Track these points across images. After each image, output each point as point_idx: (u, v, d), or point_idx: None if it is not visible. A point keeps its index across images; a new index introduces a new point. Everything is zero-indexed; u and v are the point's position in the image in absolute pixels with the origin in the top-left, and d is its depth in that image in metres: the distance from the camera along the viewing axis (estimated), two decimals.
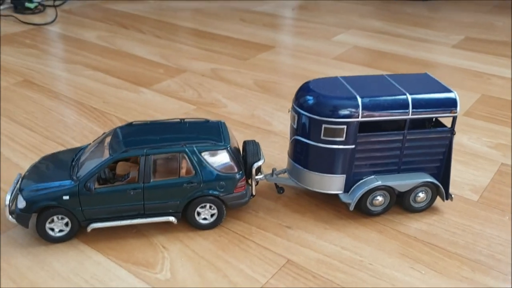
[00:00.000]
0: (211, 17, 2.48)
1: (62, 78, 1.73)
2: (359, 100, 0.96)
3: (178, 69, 1.82)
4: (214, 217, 1.00)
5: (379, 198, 1.02)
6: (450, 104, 1.00)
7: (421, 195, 1.04)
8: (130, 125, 1.03)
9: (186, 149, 0.95)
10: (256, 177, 1.03)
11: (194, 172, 0.95)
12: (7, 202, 0.93)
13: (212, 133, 1.00)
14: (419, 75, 1.09)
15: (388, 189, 1.02)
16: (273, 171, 1.09)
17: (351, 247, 0.96)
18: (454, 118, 1.01)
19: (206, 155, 0.96)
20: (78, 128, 1.39)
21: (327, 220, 1.03)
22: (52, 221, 0.95)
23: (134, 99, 1.58)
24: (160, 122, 1.04)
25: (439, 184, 1.03)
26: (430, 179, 1.02)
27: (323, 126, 0.97)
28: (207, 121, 1.05)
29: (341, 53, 1.99)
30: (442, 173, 1.05)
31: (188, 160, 0.95)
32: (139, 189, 0.94)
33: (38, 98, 1.58)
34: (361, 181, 1.03)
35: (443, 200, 1.05)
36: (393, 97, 0.98)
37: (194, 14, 2.53)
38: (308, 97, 0.98)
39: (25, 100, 1.56)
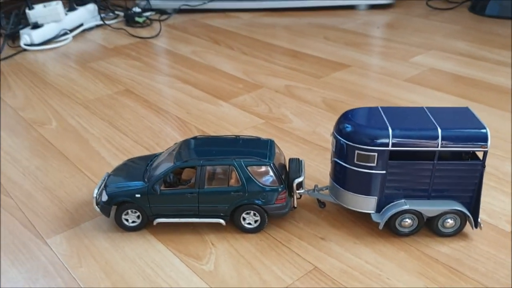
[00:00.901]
0: (297, 34, 2.64)
1: (157, 89, 2.00)
2: (390, 131, 1.06)
3: (256, 85, 2.00)
4: (257, 223, 1.16)
5: (408, 221, 1.11)
6: (481, 140, 1.06)
7: (450, 221, 1.11)
8: (195, 138, 1.23)
9: (235, 163, 1.12)
10: (297, 191, 1.17)
11: (240, 183, 1.12)
12: (95, 195, 1.16)
13: (261, 149, 1.16)
14: (459, 109, 1.16)
15: (416, 213, 1.11)
16: (315, 187, 1.22)
17: (374, 262, 1.06)
18: (485, 153, 1.07)
19: (251, 169, 1.12)
20: (162, 136, 1.63)
21: (359, 236, 1.14)
22: (127, 213, 1.17)
23: (213, 111, 1.79)
24: (219, 137, 1.22)
25: (467, 213, 1.09)
26: (458, 207, 1.09)
27: (356, 152, 1.09)
28: (258, 139, 1.21)
29: (415, 75, 2.04)
30: (473, 202, 1.11)
31: (236, 172, 1.12)
32: (195, 193, 1.13)
33: (134, 106, 1.85)
34: (391, 203, 1.13)
35: (472, 228, 1.11)
36: (424, 130, 1.07)
37: (282, 31, 2.70)
38: (346, 125, 1.10)
39: (124, 108, 1.84)
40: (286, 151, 1.51)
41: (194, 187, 1.13)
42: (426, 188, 1.11)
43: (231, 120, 1.72)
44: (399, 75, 2.05)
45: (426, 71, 2.08)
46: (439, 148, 1.07)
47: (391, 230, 1.14)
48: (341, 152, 1.12)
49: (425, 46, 2.39)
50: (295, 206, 1.19)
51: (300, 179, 1.15)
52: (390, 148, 1.07)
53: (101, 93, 1.98)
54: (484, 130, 1.07)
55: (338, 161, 1.13)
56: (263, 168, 1.12)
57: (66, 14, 2.72)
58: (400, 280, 1.01)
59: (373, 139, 1.07)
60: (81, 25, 2.79)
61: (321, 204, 1.23)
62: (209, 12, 3.16)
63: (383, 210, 1.13)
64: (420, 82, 1.97)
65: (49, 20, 2.61)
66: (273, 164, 1.13)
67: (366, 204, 1.14)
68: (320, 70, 2.14)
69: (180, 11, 3.14)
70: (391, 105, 1.78)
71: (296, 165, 1.17)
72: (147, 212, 1.16)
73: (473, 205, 1.12)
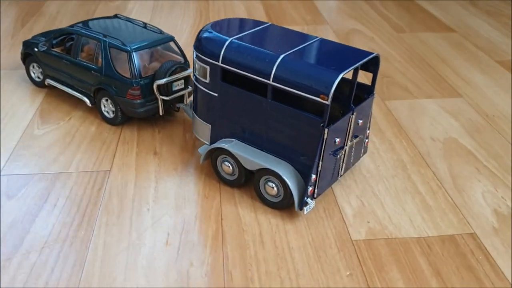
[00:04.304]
0: None
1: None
2: (227, 42, 0.82)
3: (322, 21, 1.75)
4: (114, 115, 1.06)
5: (228, 165, 0.87)
6: (324, 87, 0.73)
7: (274, 187, 0.82)
8: (115, 16, 1.16)
9: (102, 40, 1.03)
10: (161, 97, 1.02)
11: (101, 63, 1.03)
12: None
13: (143, 39, 1.03)
14: (364, 52, 0.81)
15: (235, 159, 0.85)
16: (190, 103, 1.04)
17: (162, 193, 0.87)
18: (326, 107, 0.74)
19: (112, 52, 1.01)
20: (181, 19, 1.59)
21: (189, 167, 0.94)
22: (34, 67, 1.21)
23: None
24: (130, 20, 1.13)
25: (287, 181, 0.79)
26: (278, 169, 0.79)
27: (195, 62, 0.87)
28: (159, 31, 1.08)
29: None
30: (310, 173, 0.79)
31: (100, 51, 1.03)
32: (69, 62, 1.09)
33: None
34: (223, 139, 0.89)
35: (296, 207, 0.80)
36: (265, 53, 0.79)
37: None
38: (203, 31, 0.89)
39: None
40: None
41: (70, 55, 1.09)
42: (260, 134, 0.84)
43: None
44: (499, 55, 1.51)
45: None
46: (271, 82, 0.78)
47: (216, 172, 0.91)
48: (194, 65, 0.92)
49: None
50: (160, 113, 1.04)
51: (160, 82, 1.00)
52: (220, 63, 0.83)
53: None
54: (334, 76, 0.73)
55: (193, 76, 0.94)
56: (123, 55, 1.00)
57: None
58: (142, 222, 0.81)
59: (207, 48, 0.84)
60: None
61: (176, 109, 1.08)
62: None
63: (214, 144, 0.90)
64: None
65: None
66: (134, 54, 1.00)
67: (204, 132, 0.92)
68: (413, 26, 1.73)
69: None
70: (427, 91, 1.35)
71: (167, 67, 1.01)
72: (43, 70, 1.17)
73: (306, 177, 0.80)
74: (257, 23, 0.91)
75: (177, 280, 0.70)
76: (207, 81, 0.86)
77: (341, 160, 0.85)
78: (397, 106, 1.19)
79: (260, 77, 0.79)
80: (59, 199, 0.85)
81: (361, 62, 0.77)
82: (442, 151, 1.02)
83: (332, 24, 1.72)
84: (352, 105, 0.82)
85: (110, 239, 0.77)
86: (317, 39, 0.85)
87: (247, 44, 0.81)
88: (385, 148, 1.02)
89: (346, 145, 0.84)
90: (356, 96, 0.90)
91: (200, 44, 0.85)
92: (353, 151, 0.87)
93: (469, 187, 0.91)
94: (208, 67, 0.85)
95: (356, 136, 0.86)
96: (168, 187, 0.89)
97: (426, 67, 1.40)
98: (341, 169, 0.86)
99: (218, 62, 0.83)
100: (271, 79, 0.78)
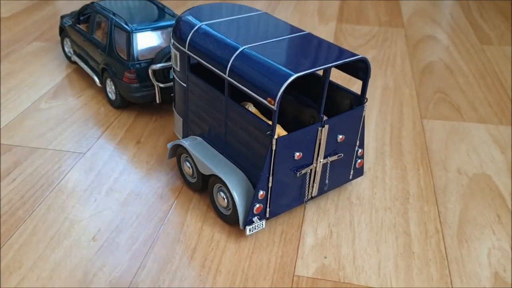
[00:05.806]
0: None
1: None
2: (195, 27, 0.73)
3: (399, 24, 1.55)
4: (114, 96, 1.02)
5: (189, 166, 0.77)
6: (271, 88, 0.60)
7: (224, 198, 0.71)
8: None
9: (109, 18, 0.99)
10: (157, 83, 0.95)
11: (106, 42, 1.00)
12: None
13: (151, 21, 0.98)
14: (348, 53, 0.67)
15: (192, 160, 0.75)
16: None
17: (120, 185, 0.81)
18: (273, 113, 0.61)
19: (116, 31, 0.97)
20: None
21: (165, 161, 0.87)
22: (66, 42, 1.22)
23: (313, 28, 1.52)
24: (153, 2, 1.08)
25: (233, 193, 0.67)
26: (224, 176, 0.68)
27: (171, 47, 0.79)
28: (173, 15, 1.02)
29: None
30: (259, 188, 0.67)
31: (107, 29, 1.00)
32: (86, 38, 1.07)
33: None
34: (191, 136, 0.79)
35: (240, 225, 0.68)
36: (226, 43, 0.68)
37: None
38: (183, 13, 0.81)
39: None
40: None
41: (87, 32, 1.08)
42: (221, 136, 0.73)
43: None
44: None
45: None
46: (227, 76, 0.67)
47: (180, 172, 0.82)
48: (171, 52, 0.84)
49: None
50: (157, 100, 0.98)
51: (155, 67, 0.93)
52: (186, 50, 0.74)
53: None
54: (287, 77, 0.60)
55: None
56: (123, 35, 0.96)
57: None
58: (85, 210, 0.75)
59: (180, 32, 0.76)
60: None
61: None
62: None
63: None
64: None
65: None
66: (134, 35, 0.94)
67: (178, 126, 0.84)
68: (505, 38, 1.46)
69: None
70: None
71: (165, 52, 0.94)
72: (71, 46, 1.18)
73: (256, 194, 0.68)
74: (249, 10, 0.81)
75: (79, 281, 0.64)
76: (178, 69, 0.78)
77: (310, 179, 0.71)
78: (436, 127, 1.00)
79: (218, 69, 0.69)
80: (21, 175, 0.83)
81: (331, 64, 0.63)
82: (465, 188, 0.82)
83: (408, 28, 1.53)
84: (322, 115, 0.68)
85: (42, 224, 0.73)
86: (302, 33, 0.72)
87: (213, 31, 0.71)
88: (395, 174, 0.85)
89: (316, 163, 0.70)
90: (351, 107, 0.75)
91: (176, 27, 0.77)
92: (328, 171, 0.73)
93: (476, 237, 0.72)
94: (178, 53, 0.77)
95: (334, 154, 0.72)
96: (129, 179, 0.83)
97: (497, 87, 1.17)
98: (312, 190, 0.73)
99: (185, 48, 0.74)
100: (227, 73, 0.67)
